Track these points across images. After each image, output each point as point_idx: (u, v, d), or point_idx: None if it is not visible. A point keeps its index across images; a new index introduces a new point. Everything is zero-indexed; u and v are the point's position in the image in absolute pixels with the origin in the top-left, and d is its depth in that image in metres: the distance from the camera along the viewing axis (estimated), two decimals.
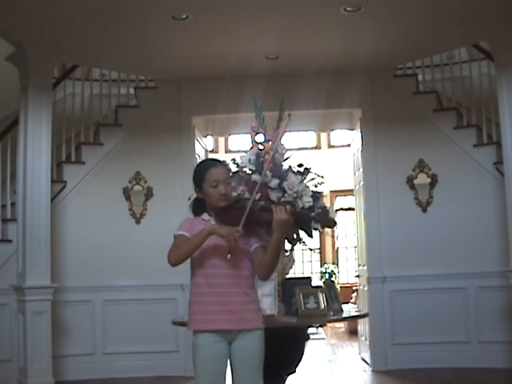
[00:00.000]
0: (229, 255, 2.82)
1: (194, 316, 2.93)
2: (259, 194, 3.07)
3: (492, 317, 6.37)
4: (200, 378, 2.89)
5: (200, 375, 2.89)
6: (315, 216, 3.02)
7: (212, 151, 10.50)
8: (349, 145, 8.05)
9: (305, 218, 3.05)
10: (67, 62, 7.17)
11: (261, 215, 2.88)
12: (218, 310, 2.82)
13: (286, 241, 3.76)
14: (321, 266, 12.93)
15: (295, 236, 3.80)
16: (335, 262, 12.98)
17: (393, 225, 6.72)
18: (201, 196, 2.99)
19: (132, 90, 7.39)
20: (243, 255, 2.90)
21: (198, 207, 3.04)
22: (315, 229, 3.61)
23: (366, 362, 6.92)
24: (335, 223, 2.84)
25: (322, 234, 9.79)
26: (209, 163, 3.05)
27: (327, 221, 2.83)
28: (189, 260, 2.97)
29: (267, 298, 3.60)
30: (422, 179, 6.74)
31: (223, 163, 3.09)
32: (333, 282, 7.18)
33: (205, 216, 2.99)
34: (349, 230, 12.00)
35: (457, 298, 6.52)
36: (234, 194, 3.39)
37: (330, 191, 12.21)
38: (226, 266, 2.84)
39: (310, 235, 3.76)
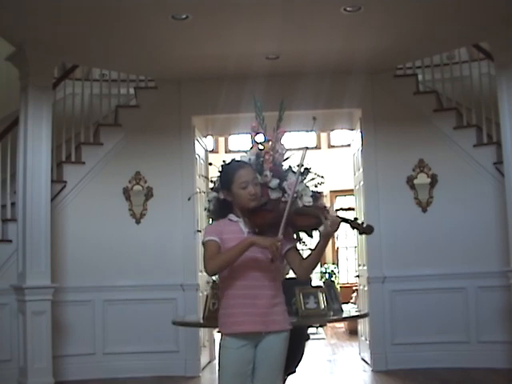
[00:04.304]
0: (272, 260, 2.76)
1: (225, 319, 2.91)
2: (295, 196, 3.05)
3: (492, 317, 6.37)
4: (225, 380, 2.89)
5: (225, 378, 2.89)
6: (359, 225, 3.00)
7: (212, 151, 10.48)
8: (349, 145, 8.05)
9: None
10: (67, 62, 7.17)
11: (295, 219, 2.87)
12: (249, 313, 2.81)
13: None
14: (321, 266, 12.93)
15: (295, 236, 3.79)
16: (335, 262, 12.99)
17: (393, 225, 6.72)
18: (229, 198, 2.96)
19: (132, 90, 7.40)
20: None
21: (221, 210, 3.03)
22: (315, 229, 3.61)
23: (366, 362, 6.92)
24: (372, 230, 2.82)
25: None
26: (236, 165, 3.02)
27: (366, 228, 2.80)
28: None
29: None
30: (422, 179, 6.74)
31: (248, 164, 3.09)
32: (333, 281, 7.17)
33: (232, 217, 2.97)
34: (349, 230, 11.99)
35: (457, 298, 6.52)
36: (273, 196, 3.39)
37: (330, 191, 12.23)
38: (257, 269, 2.81)
39: (310, 235, 3.76)
